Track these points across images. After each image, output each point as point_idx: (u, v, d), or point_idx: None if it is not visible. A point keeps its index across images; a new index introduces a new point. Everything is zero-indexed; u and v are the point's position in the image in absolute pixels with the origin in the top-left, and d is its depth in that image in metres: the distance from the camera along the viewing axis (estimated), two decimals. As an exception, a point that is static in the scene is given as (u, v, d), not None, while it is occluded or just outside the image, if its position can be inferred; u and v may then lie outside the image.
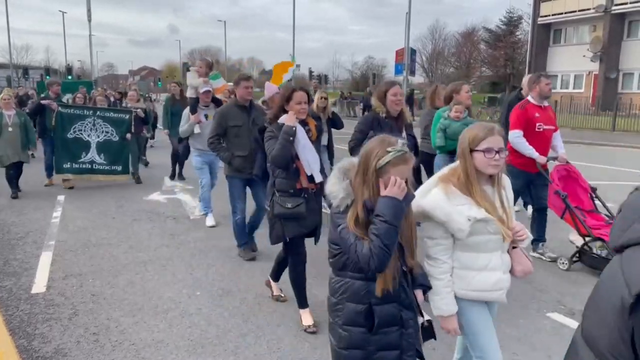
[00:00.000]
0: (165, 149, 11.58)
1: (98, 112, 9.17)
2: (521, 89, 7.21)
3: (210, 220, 6.72)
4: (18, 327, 3.81)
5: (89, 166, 9.04)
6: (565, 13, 34.32)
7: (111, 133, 9.15)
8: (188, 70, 7.81)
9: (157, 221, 6.88)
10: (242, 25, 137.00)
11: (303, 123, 3.78)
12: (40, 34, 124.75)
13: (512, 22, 49.08)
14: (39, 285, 4.64)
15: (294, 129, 3.63)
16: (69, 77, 36.37)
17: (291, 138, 3.61)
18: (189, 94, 6.85)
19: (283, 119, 3.72)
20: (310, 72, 55.55)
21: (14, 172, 8.23)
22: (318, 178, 3.74)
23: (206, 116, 6.65)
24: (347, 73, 76.48)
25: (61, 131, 8.81)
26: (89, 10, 41.70)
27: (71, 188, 8.89)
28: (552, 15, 35.36)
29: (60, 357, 3.41)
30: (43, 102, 8.96)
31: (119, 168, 9.29)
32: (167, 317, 4.03)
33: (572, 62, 34.01)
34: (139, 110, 9.58)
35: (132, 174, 9.53)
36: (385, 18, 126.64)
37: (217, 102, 6.81)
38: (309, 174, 3.73)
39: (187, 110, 6.70)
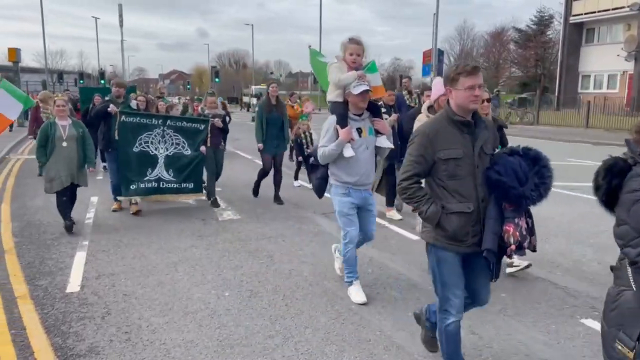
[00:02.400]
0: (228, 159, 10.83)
1: (168, 122, 7.65)
2: None
3: (358, 295, 4.40)
4: (53, 326, 3.92)
5: (155, 184, 7.54)
6: (599, 12, 33.51)
7: (182, 145, 7.68)
8: (309, 57, 6.31)
9: (187, 222, 6.98)
10: (269, 28, 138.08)
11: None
12: (74, 39, 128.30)
13: (542, 22, 48.15)
14: (73, 284, 4.76)
15: None
16: (102, 82, 37.24)
17: None
18: (333, 96, 4.40)
19: None
20: (337, 74, 55.52)
21: (68, 199, 6.58)
22: None
23: (359, 131, 4.28)
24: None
25: (124, 144, 7.29)
26: (120, 16, 42.70)
27: (138, 212, 7.54)
28: (585, 14, 34.56)
29: (93, 355, 3.50)
30: (110, 109, 7.19)
31: (190, 185, 7.76)
32: (197, 317, 4.09)
33: (606, 62, 33.16)
34: (216, 119, 7.90)
35: (207, 194, 8.09)
36: (411, 19, 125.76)
37: (374, 110, 4.48)
38: None
39: (330, 121, 4.31)
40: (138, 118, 7.44)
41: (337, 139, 4.22)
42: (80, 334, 3.80)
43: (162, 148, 7.55)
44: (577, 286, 4.78)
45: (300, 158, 9.53)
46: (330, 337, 3.77)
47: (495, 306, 4.30)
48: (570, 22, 35.36)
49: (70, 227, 6.48)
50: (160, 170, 7.56)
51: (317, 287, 4.73)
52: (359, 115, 4.34)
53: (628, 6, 31.04)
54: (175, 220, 7.13)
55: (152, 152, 7.50)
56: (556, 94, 37.13)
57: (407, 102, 8.86)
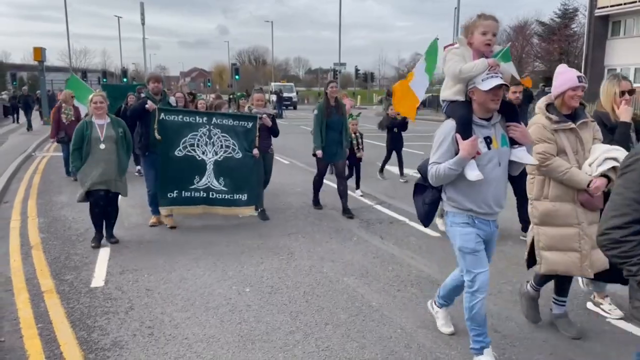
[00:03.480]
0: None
1: (214, 119, 6.52)
2: None
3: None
4: (79, 320, 3.99)
5: (204, 194, 6.48)
6: (625, 4, 32.66)
7: (233, 148, 6.54)
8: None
9: (208, 219, 7.03)
10: (288, 24, 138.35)
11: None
12: (97, 38, 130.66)
13: (567, 15, 47.18)
14: (98, 279, 4.84)
15: None
16: (124, 80, 37.76)
17: None
18: (450, 93, 3.21)
19: None
20: (357, 70, 55.47)
21: (103, 209, 5.79)
22: None
23: (488, 141, 3.14)
24: (393, 70, 75.71)
25: (165, 147, 6.29)
26: (142, 15, 43.24)
27: (173, 228, 6.56)
28: (611, 6, 33.74)
29: (117, 349, 3.55)
30: (148, 106, 6.24)
31: (244, 197, 6.60)
32: (218, 312, 4.12)
33: (633, 55, 32.33)
34: (264, 116, 6.87)
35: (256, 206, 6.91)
36: (431, 13, 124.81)
37: (509, 112, 3.24)
38: None
39: (447, 129, 3.16)
40: (180, 116, 6.38)
41: (456, 153, 3.07)
42: (105, 328, 3.86)
43: (210, 152, 6.45)
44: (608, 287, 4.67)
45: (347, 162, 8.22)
46: (351, 333, 3.77)
47: (518, 304, 4.23)
48: (596, 14, 34.57)
49: (97, 242, 5.78)
50: (209, 179, 6.48)
51: (338, 283, 4.73)
52: (488, 120, 3.14)
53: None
54: (197, 217, 7.19)
55: (199, 156, 6.39)
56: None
57: None
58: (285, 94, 39.46)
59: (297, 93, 49.60)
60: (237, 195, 6.60)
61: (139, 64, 72.28)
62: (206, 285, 4.70)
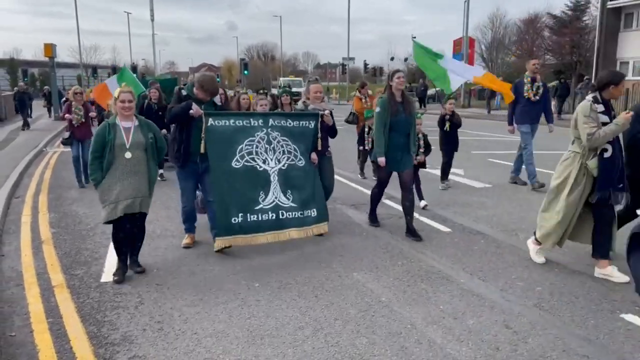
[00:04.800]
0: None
1: (271, 120, 5.47)
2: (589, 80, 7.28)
3: None
4: (89, 314, 4.00)
5: (273, 215, 5.29)
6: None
7: (295, 154, 5.50)
8: None
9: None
10: (297, 19, 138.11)
11: None
12: (107, 34, 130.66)
13: (578, 7, 46.58)
14: (108, 274, 4.85)
15: None
16: (134, 75, 37.90)
17: None
18: None
19: None
20: (365, 64, 55.23)
21: (129, 231, 4.78)
22: None
23: None
24: (402, 64, 75.33)
25: (219, 159, 5.16)
26: (151, 11, 43.32)
27: (225, 248, 5.30)
28: (624, -2, 33.23)
29: (127, 344, 3.55)
30: (194, 111, 5.12)
31: (313, 213, 5.54)
32: (227, 307, 4.11)
33: (646, 48, 31.88)
34: (326, 112, 5.83)
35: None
36: (440, 7, 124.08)
37: None
38: None
39: None
40: (232, 119, 5.30)
41: None
42: (115, 322, 3.86)
43: (272, 159, 5.35)
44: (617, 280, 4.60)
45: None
46: (361, 329, 3.74)
47: (531, 300, 4.20)
48: (608, 7, 34.08)
49: (121, 275, 4.69)
50: (276, 194, 5.33)
51: (347, 278, 4.70)
52: None
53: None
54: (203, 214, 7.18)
55: (260, 166, 5.30)
56: (593, 81, 35.92)
57: (526, 90, 8.27)
58: (294, 89, 39.44)
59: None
60: (307, 212, 5.48)
61: (149, 59, 72.67)
62: (215, 279, 4.70)
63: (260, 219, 5.23)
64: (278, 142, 5.41)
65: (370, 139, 8.27)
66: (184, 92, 5.40)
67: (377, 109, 5.82)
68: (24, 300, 4.29)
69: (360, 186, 8.76)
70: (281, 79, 51.63)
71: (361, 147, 9.27)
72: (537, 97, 8.24)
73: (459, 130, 8.53)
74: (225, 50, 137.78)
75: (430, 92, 33.47)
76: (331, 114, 5.95)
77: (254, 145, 5.30)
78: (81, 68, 46.67)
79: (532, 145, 8.46)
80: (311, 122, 5.64)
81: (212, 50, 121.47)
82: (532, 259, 5.10)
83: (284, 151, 5.43)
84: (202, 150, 5.11)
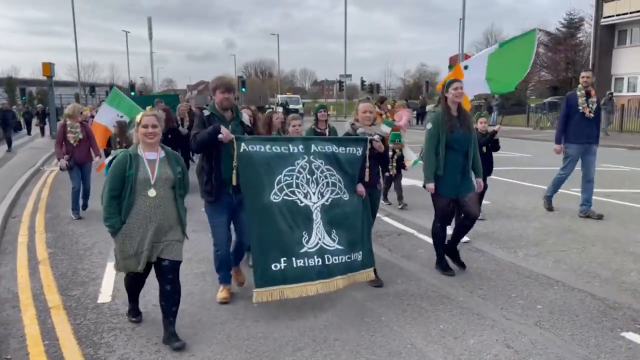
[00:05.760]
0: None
1: (314, 146, 4.52)
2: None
3: None
4: (85, 336, 3.96)
5: (319, 260, 4.32)
6: (631, 13, 32.64)
7: (340, 186, 4.56)
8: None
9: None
10: (295, 37, 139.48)
11: None
12: (105, 53, 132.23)
13: (572, 24, 47.25)
14: (105, 294, 4.81)
15: None
16: (132, 93, 38.05)
17: None
18: None
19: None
20: (362, 81, 55.59)
21: (143, 280, 4.10)
22: None
23: None
24: (399, 81, 76.01)
25: (253, 192, 4.27)
26: (150, 29, 43.69)
27: (226, 299, 4.62)
28: (617, 15, 33.69)
29: (124, 366, 3.51)
30: (223, 135, 4.21)
31: (359, 257, 4.60)
32: (225, 328, 4.07)
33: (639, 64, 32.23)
34: (376, 137, 4.78)
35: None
36: (436, 24, 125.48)
37: None
38: None
39: None
40: (268, 145, 4.38)
41: None
42: (112, 344, 3.82)
43: (314, 193, 4.43)
44: (617, 297, 4.59)
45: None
46: (361, 349, 3.70)
47: (531, 318, 4.17)
48: (602, 24, 34.52)
49: (136, 316, 4.21)
50: (320, 235, 4.40)
51: (346, 298, 4.66)
52: None
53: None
54: (205, 230, 7.14)
55: (302, 201, 4.38)
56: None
57: (581, 103, 7.29)
58: (291, 106, 39.64)
59: (303, 105, 49.83)
60: (354, 255, 4.56)
61: (147, 77, 72.92)
62: (213, 299, 4.65)
63: (306, 264, 4.27)
64: (321, 172, 4.47)
65: (394, 164, 7.66)
66: (206, 112, 4.50)
67: (429, 125, 5.08)
68: (20, 322, 4.25)
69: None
70: (279, 96, 51.96)
71: (387, 173, 7.56)
72: (592, 114, 7.31)
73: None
74: (223, 67, 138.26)
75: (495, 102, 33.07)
76: (383, 140, 4.95)
77: (294, 176, 4.37)
78: (79, 86, 46.82)
79: (571, 172, 7.62)
80: (359, 148, 4.66)
81: (210, 68, 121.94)
82: None
83: (327, 183, 4.49)
84: (234, 182, 4.26)
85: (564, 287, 4.85)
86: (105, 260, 5.83)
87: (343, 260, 4.45)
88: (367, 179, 4.68)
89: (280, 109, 5.31)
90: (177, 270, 3.82)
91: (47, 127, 26.06)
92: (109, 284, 5.09)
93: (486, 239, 6.53)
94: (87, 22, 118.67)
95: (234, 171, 4.26)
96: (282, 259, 4.21)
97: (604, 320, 4.13)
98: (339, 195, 4.52)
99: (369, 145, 4.69)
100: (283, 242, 4.23)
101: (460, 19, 31.28)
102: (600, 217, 7.27)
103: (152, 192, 3.68)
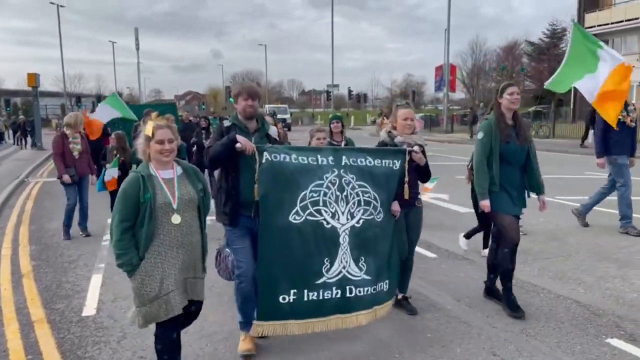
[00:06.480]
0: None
1: (345, 158, 3.83)
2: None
3: None
4: (69, 350, 3.90)
5: (337, 292, 3.70)
6: (612, 23, 33.36)
7: (374, 205, 3.86)
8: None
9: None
10: (282, 47, 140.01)
11: None
12: (91, 63, 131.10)
13: (555, 35, 48.12)
14: (90, 307, 4.75)
15: None
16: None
17: None
18: None
19: None
20: (350, 91, 55.91)
21: (180, 326, 3.32)
22: None
23: None
24: (386, 91, 76.55)
25: (273, 209, 3.62)
26: (137, 40, 43.61)
27: (263, 338, 3.91)
28: (598, 25, 34.39)
29: (109, 380, 3.46)
30: (242, 144, 3.56)
31: (385, 286, 3.93)
32: (212, 340, 4.04)
33: (621, 73, 32.80)
34: (415, 148, 4.14)
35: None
36: (423, 34, 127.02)
37: None
38: None
39: None
40: (294, 154, 3.72)
41: None
42: (96, 358, 3.77)
43: (343, 213, 3.75)
44: (602, 304, 4.64)
45: None
46: (348, 359, 3.69)
47: (517, 326, 4.20)
48: (584, 34, 35.19)
49: None
50: (345, 262, 3.74)
51: (334, 307, 4.64)
52: None
53: (642, 17, 30.82)
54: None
55: (328, 222, 3.70)
56: (571, 106, 36.78)
57: (621, 113, 6.78)
58: (279, 116, 39.71)
59: (290, 115, 49.94)
60: (380, 285, 3.89)
61: (134, 87, 72.59)
62: (202, 311, 4.61)
63: (321, 297, 3.65)
64: (352, 188, 3.78)
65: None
66: (227, 123, 3.89)
67: (480, 135, 4.50)
68: (3, 336, 4.18)
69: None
70: (267, 105, 52.00)
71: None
72: (634, 123, 6.96)
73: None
74: (211, 78, 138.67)
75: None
76: (423, 151, 4.32)
77: (322, 192, 3.69)
78: (65, 97, 46.51)
79: (631, 180, 7.10)
80: (396, 161, 4.00)
81: (197, 78, 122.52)
82: None
83: (359, 201, 3.79)
84: (256, 197, 3.59)
85: (549, 295, 4.89)
86: (90, 273, 5.76)
87: (368, 292, 3.78)
88: (406, 196, 4.05)
89: (269, 119, 4.89)
90: (200, 310, 3.36)
91: (29, 139, 25.98)
92: (93, 296, 5.03)
93: (473, 246, 6.57)
94: (73, 32, 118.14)
95: (256, 185, 3.57)
96: (291, 291, 3.59)
97: (588, 327, 4.17)
98: (371, 216, 3.83)
99: (407, 157, 4.04)
100: (296, 272, 3.61)
101: (446, 29, 31.68)
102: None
103: (176, 219, 3.03)
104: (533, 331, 4.11)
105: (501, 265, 4.53)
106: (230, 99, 39.24)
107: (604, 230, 7.19)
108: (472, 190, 5.04)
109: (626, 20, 32.56)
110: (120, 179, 7.57)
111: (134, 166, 6.21)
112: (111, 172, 7.90)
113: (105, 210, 8.32)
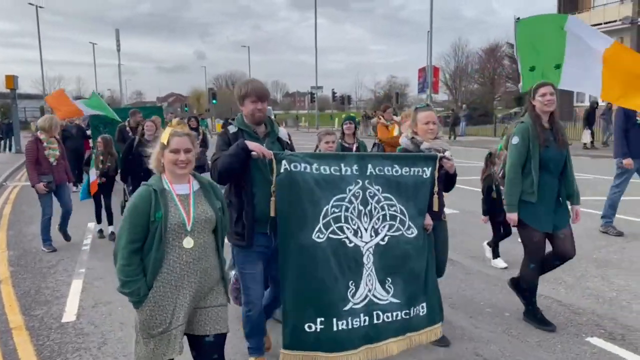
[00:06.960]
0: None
1: (370, 166, 3.42)
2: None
3: None
4: (49, 357, 3.84)
5: (365, 319, 3.31)
6: (605, 23, 33.85)
7: (401, 220, 3.48)
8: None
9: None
10: (266, 49, 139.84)
11: None
12: (71, 65, 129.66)
13: (536, 37, 48.73)
14: (70, 313, 4.68)
15: None
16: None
17: None
18: None
19: None
20: (334, 93, 56.00)
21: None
22: None
23: None
24: (370, 93, 76.85)
25: (294, 227, 3.20)
26: (118, 41, 43.18)
27: None
28: (591, 26, 34.93)
29: (89, 387, 3.41)
30: (256, 151, 3.11)
31: (422, 311, 3.53)
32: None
33: (600, 75, 33.37)
34: (446, 154, 3.69)
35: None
36: (406, 36, 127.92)
37: None
38: None
39: None
40: (316, 163, 3.29)
41: None
42: (76, 365, 3.71)
43: (366, 230, 3.37)
44: (581, 303, 4.71)
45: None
46: None
47: (500, 326, 4.24)
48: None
49: None
50: (371, 284, 3.35)
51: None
52: None
53: (620, 19, 31.40)
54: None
55: (351, 240, 3.31)
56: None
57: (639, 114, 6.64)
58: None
59: (274, 117, 49.86)
60: (414, 310, 3.49)
61: (115, 89, 71.76)
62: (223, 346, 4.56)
63: (350, 326, 3.24)
64: (377, 201, 3.39)
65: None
66: (232, 129, 3.39)
67: (515, 140, 4.08)
68: (-21, 344, 4.09)
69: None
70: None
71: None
72: None
73: None
74: (194, 79, 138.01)
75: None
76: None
77: (344, 207, 3.28)
78: (44, 99, 45.80)
79: (626, 187, 7.11)
80: (426, 169, 3.57)
81: (180, 80, 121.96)
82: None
83: (384, 216, 3.41)
84: (272, 212, 3.19)
85: (530, 294, 4.94)
86: (70, 278, 5.68)
87: (398, 318, 3.40)
88: (436, 207, 3.65)
89: None
90: (223, 347, 2.80)
91: (6, 143, 25.52)
92: (73, 302, 4.95)
93: (455, 248, 6.60)
94: (53, 34, 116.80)
95: (272, 198, 3.16)
96: (318, 320, 3.16)
97: (569, 326, 4.23)
98: (400, 232, 3.44)
99: (437, 165, 3.60)
100: (324, 297, 3.19)
101: (428, 31, 31.92)
102: (619, 234, 6.99)
103: (188, 242, 2.63)
104: (515, 331, 4.15)
105: (525, 281, 4.25)
106: (214, 101, 39.07)
107: (584, 230, 7.29)
108: (487, 194, 5.48)
109: (604, 23, 33.08)
110: (104, 187, 7.26)
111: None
112: (92, 173, 7.24)
113: (85, 214, 8.09)
